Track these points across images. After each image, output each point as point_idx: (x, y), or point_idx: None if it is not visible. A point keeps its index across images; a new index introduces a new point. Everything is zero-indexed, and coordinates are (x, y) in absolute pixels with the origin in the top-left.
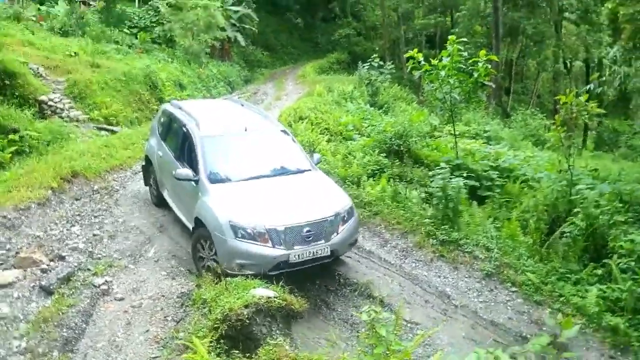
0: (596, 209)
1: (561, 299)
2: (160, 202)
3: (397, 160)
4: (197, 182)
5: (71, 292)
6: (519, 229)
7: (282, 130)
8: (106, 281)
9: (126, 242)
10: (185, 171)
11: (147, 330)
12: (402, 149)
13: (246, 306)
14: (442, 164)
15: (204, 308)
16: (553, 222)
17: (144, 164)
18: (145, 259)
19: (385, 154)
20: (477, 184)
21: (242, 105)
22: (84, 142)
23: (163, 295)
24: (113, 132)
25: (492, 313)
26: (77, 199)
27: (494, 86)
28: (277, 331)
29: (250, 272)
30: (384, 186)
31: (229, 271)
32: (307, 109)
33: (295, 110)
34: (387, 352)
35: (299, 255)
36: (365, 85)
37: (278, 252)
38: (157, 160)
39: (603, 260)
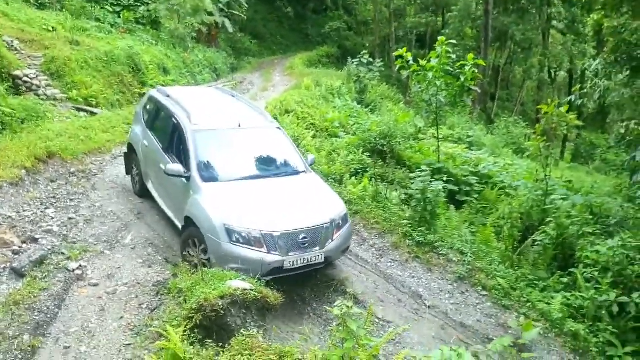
0: (567, 219)
1: (528, 304)
2: (143, 194)
3: (380, 161)
4: (188, 178)
5: (44, 275)
6: (493, 235)
7: (277, 128)
8: (81, 266)
9: (102, 227)
10: (177, 167)
11: (121, 317)
12: (386, 149)
13: (222, 297)
14: (423, 167)
15: (180, 297)
16: (526, 230)
17: (126, 151)
18: (121, 246)
19: (369, 154)
20: (456, 188)
21: (233, 96)
22: (62, 123)
23: (138, 283)
24: (93, 113)
25: (462, 315)
26: (52, 181)
27: (479, 91)
28: (252, 323)
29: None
30: (365, 185)
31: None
32: (293, 102)
33: (282, 102)
34: (357, 347)
35: (293, 262)
36: (354, 82)
37: (273, 257)
38: (142, 149)
39: (570, 269)
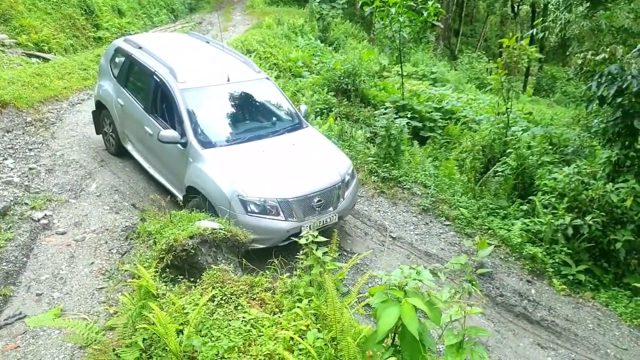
0: (527, 150)
1: (489, 231)
2: (120, 153)
3: (345, 100)
4: (184, 144)
5: (8, 226)
6: (456, 168)
7: (266, 78)
8: (46, 215)
9: (66, 176)
10: (170, 133)
11: (92, 263)
12: (350, 88)
13: (191, 237)
14: (387, 104)
15: (149, 240)
16: (488, 162)
17: (94, 109)
18: (86, 194)
19: (333, 93)
20: (420, 124)
21: (208, 42)
22: (12, 70)
23: (107, 229)
24: (45, 59)
25: (427, 244)
26: (8, 131)
27: (442, 27)
28: (223, 261)
29: (261, 246)
30: (331, 125)
31: None
32: (255, 42)
33: (243, 42)
34: (323, 272)
35: (310, 226)
36: (316, 20)
37: (290, 224)
38: (116, 109)
39: (529, 197)
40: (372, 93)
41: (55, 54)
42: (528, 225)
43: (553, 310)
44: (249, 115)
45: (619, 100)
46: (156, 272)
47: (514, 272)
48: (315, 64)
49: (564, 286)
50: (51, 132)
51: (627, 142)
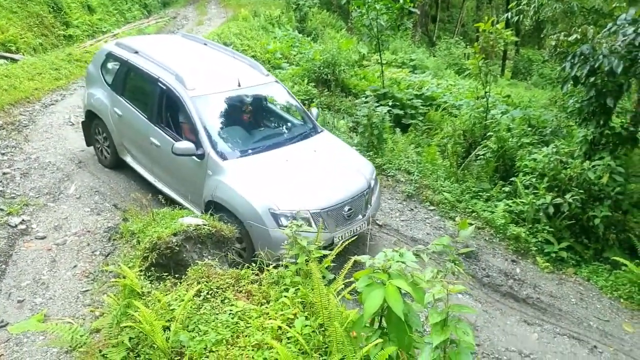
0: (507, 132)
1: (473, 214)
2: (115, 166)
3: (326, 90)
4: (201, 156)
5: None
6: (438, 154)
7: (275, 82)
8: (24, 220)
9: (42, 179)
10: (185, 145)
11: (75, 266)
12: (330, 78)
13: (175, 234)
14: (368, 93)
15: (133, 240)
16: (470, 146)
17: (84, 120)
18: (65, 196)
19: (314, 83)
20: (401, 112)
21: (206, 44)
22: None
23: (89, 231)
24: (14, 60)
25: (413, 230)
26: None
27: (419, 13)
28: (209, 257)
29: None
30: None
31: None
32: (231, 35)
33: (219, 35)
34: (309, 260)
35: (341, 237)
36: (293, 11)
37: (324, 236)
38: (112, 119)
39: (510, 179)
40: (352, 82)
41: (23, 54)
42: (511, 206)
43: (538, 287)
44: (264, 122)
45: (592, 79)
46: (141, 271)
47: (499, 253)
48: (294, 55)
49: (547, 264)
50: (24, 135)
51: (601, 121)
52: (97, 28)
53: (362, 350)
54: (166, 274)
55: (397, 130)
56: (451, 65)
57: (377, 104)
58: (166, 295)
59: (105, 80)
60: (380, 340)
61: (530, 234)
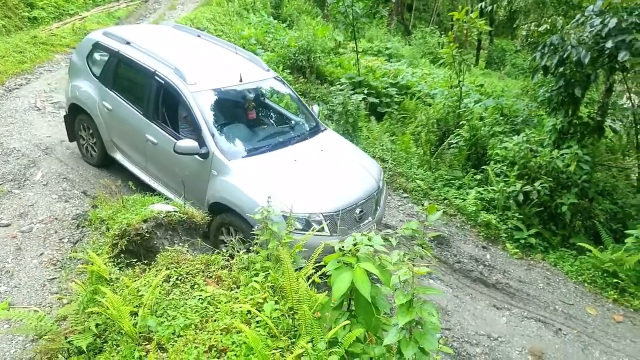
0: (480, 121)
1: (445, 201)
2: (102, 163)
3: (301, 77)
4: (204, 155)
5: None
6: (412, 142)
7: (275, 78)
8: None
9: (7, 166)
10: (188, 143)
11: (42, 254)
12: (305, 65)
13: (145, 221)
14: (343, 80)
15: (102, 227)
16: (443, 135)
17: (66, 114)
18: (31, 183)
19: (289, 70)
20: (377, 100)
21: (199, 35)
22: None
23: (56, 219)
24: None
25: (386, 217)
26: None
27: (394, 1)
28: (180, 243)
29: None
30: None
31: None
32: (205, 20)
33: (192, 21)
34: (280, 246)
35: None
36: None
37: (333, 239)
38: (101, 114)
39: (482, 167)
40: (328, 70)
41: None
42: (482, 194)
43: (507, 273)
44: (267, 119)
45: (561, 69)
46: (110, 258)
47: (470, 239)
48: (269, 42)
49: (516, 250)
50: None
51: (570, 110)
52: (64, 10)
53: (330, 332)
54: (137, 261)
55: (372, 118)
56: (426, 54)
57: (352, 92)
58: (135, 281)
59: (92, 72)
60: (347, 322)
61: (500, 221)
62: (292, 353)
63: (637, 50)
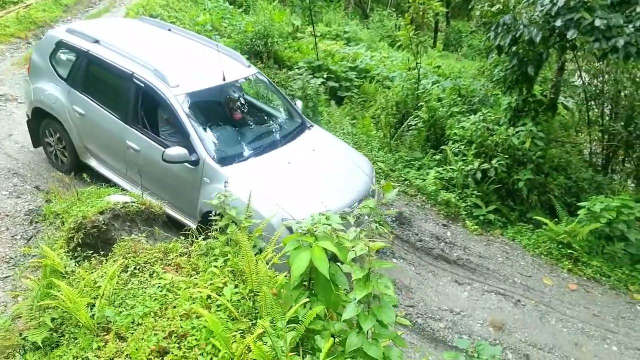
0: (438, 102)
1: (406, 182)
2: (75, 170)
3: (259, 62)
4: (194, 163)
5: None
6: (372, 125)
7: (258, 73)
8: None
9: None
10: (177, 151)
11: None
12: (263, 50)
13: (101, 213)
14: (301, 64)
15: (57, 221)
16: (403, 117)
17: (29, 118)
18: None
19: (247, 56)
20: (337, 84)
21: (170, 30)
22: None
23: (7, 215)
24: None
25: None
26: None
27: None
28: (139, 234)
29: None
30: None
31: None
32: (158, 7)
33: (144, 7)
34: (238, 230)
35: None
36: None
37: None
38: (72, 119)
39: (441, 147)
40: (286, 55)
41: None
42: (441, 174)
43: (467, 249)
44: (254, 119)
45: (514, 49)
46: (66, 252)
47: (431, 218)
48: (225, 27)
49: (476, 226)
50: None
51: (524, 89)
52: None
53: (290, 310)
54: (95, 254)
55: (333, 102)
56: (384, 38)
57: (311, 76)
58: (92, 273)
59: (57, 74)
60: (307, 300)
61: (460, 199)
62: (252, 334)
63: (584, 29)
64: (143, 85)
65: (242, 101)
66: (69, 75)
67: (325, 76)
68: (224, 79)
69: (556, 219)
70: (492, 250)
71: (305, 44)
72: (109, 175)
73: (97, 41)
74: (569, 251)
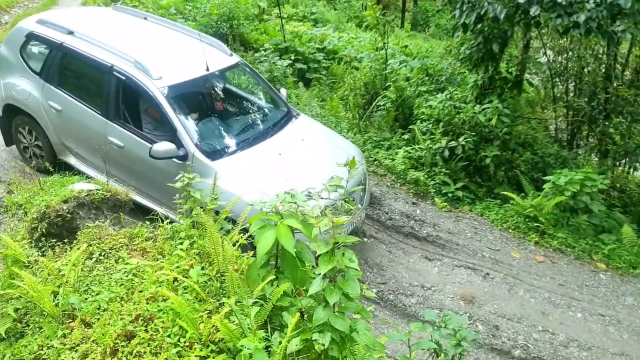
0: (405, 82)
1: (376, 162)
2: (49, 167)
3: (225, 45)
4: (183, 158)
5: None
6: (341, 106)
7: (240, 61)
8: None
9: None
10: (165, 146)
11: None
12: (228, 32)
13: (65, 201)
14: (267, 46)
15: (19, 212)
16: (371, 97)
17: (0, 115)
18: None
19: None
20: (304, 66)
21: (146, 18)
22: None
23: None
24: None
25: None
26: None
27: None
28: (105, 222)
29: None
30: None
31: None
32: None
33: None
34: (204, 212)
35: (346, 230)
36: None
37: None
38: (48, 115)
39: (409, 127)
40: (253, 37)
41: None
42: (410, 153)
43: (437, 226)
44: (239, 110)
45: (479, 26)
46: (30, 242)
47: (400, 197)
48: (190, 10)
49: (445, 203)
50: None
51: (489, 66)
52: None
53: (257, 288)
54: (60, 243)
55: (301, 84)
56: (352, 18)
57: (278, 58)
58: (56, 261)
59: (29, 68)
60: (273, 277)
61: (428, 177)
62: (219, 314)
63: (547, 5)
64: (124, 78)
65: (227, 91)
66: (43, 69)
67: (292, 58)
68: (207, 69)
69: (523, 194)
70: (461, 226)
71: (272, 26)
72: (90, 172)
73: (71, 32)
74: (536, 224)
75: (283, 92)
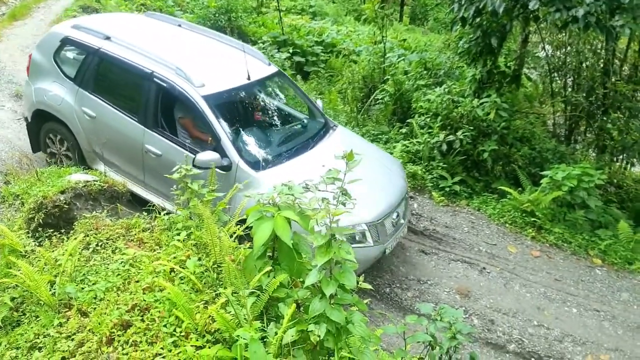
0: (404, 75)
1: None
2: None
3: None
4: (226, 168)
5: None
6: (339, 100)
7: (279, 72)
8: None
9: None
10: (209, 156)
11: None
12: (226, 25)
13: (62, 192)
14: (265, 38)
15: (16, 202)
16: (370, 91)
17: (29, 120)
18: None
19: None
20: (303, 59)
21: (180, 25)
22: None
23: None
24: None
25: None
26: None
27: None
28: (102, 213)
29: None
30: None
31: None
32: None
33: None
34: (201, 203)
35: (391, 246)
36: None
37: (378, 249)
38: (80, 122)
39: (407, 120)
40: (251, 29)
41: None
42: (408, 147)
43: (434, 220)
44: (279, 120)
45: (478, 20)
46: (27, 232)
47: None
48: (188, 3)
49: (442, 198)
50: None
51: (488, 61)
52: None
53: (254, 279)
54: (57, 233)
55: (299, 77)
56: (350, 12)
57: (276, 51)
58: (52, 251)
59: (63, 73)
60: (269, 268)
61: (426, 171)
62: (216, 304)
63: None
64: (165, 85)
65: (267, 101)
66: (77, 74)
67: (290, 51)
68: (248, 78)
69: (520, 189)
70: (458, 221)
71: (270, 19)
72: (134, 189)
73: (108, 38)
74: (533, 219)
75: (319, 103)
